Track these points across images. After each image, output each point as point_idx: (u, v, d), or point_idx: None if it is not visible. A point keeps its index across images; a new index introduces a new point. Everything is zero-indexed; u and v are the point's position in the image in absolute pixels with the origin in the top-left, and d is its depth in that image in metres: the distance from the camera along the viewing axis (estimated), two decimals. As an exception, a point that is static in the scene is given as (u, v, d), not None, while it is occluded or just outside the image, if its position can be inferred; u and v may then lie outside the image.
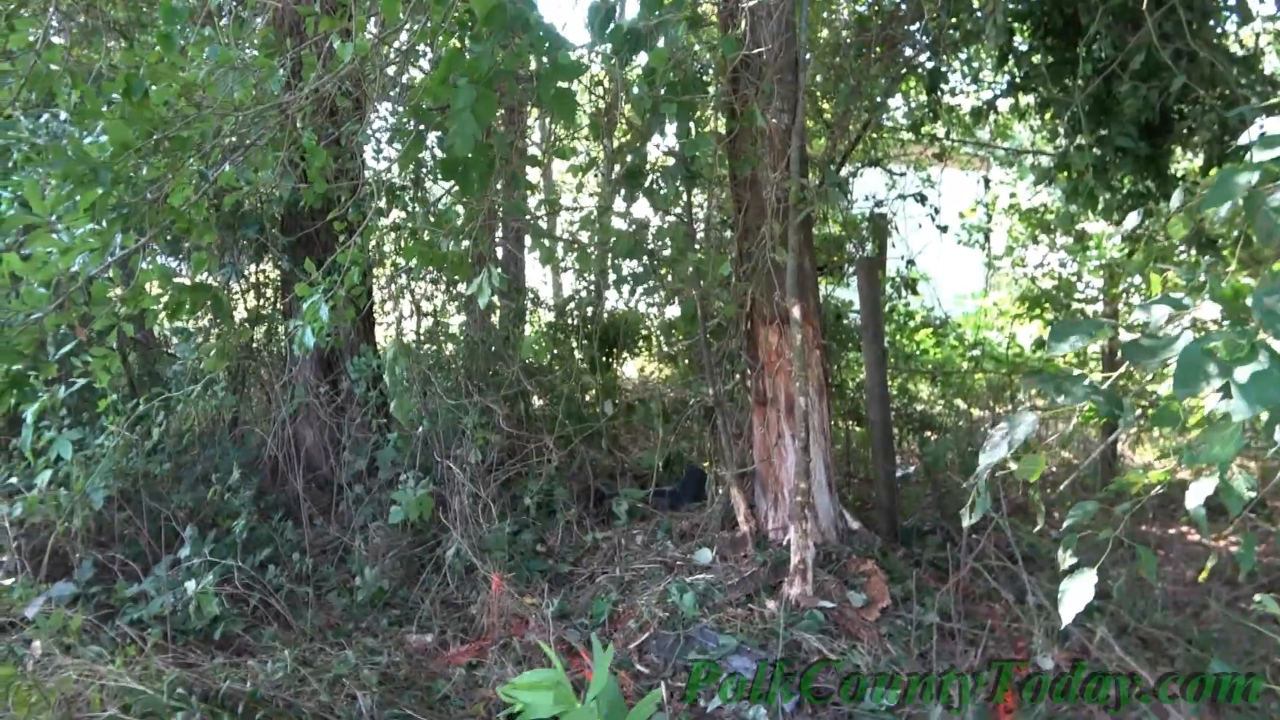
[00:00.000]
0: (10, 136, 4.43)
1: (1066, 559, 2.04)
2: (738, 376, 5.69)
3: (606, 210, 5.50)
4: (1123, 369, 2.16)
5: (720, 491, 5.21)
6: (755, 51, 4.59)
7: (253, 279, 6.31)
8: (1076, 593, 1.95)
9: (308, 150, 4.03)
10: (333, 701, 3.48)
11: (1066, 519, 2.07)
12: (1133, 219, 2.96)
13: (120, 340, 5.03)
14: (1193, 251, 5.13)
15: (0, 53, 4.19)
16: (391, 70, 6.55)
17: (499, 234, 7.11)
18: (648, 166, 5.06)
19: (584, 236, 6.68)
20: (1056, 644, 4.02)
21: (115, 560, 4.49)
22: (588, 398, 6.60)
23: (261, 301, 6.37)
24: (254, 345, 5.98)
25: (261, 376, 6.04)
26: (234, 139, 4.26)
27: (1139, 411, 2.18)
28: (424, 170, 5.97)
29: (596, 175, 7.53)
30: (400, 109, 7.00)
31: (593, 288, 7.40)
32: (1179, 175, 5.65)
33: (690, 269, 5.18)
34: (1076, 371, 1.97)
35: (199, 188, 4.21)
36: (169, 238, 4.74)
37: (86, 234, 3.59)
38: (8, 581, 3.86)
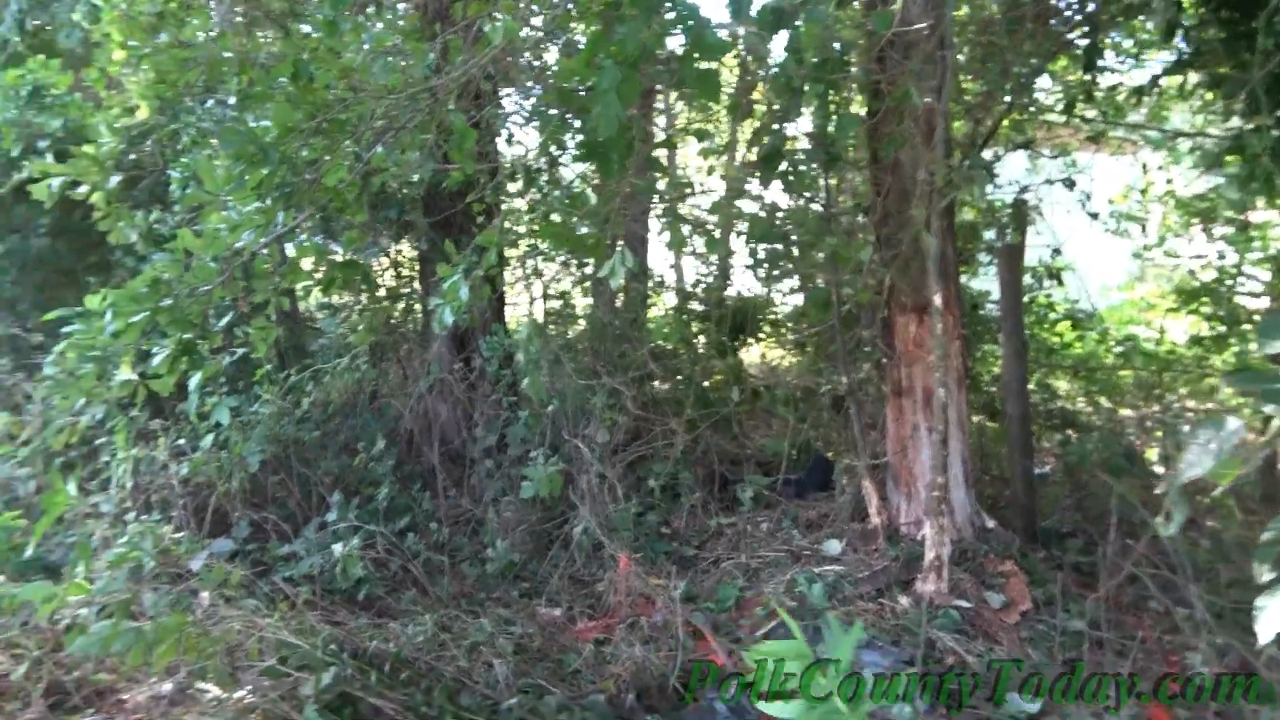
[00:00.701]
0: (182, 121, 4.71)
1: (1264, 573, 1.89)
2: (866, 366, 5.56)
3: (741, 193, 5.44)
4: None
5: (850, 482, 5.10)
6: (904, 29, 4.43)
7: (392, 258, 6.56)
8: (1277, 610, 1.80)
9: (458, 132, 4.12)
10: (471, 667, 3.60)
11: (1266, 530, 1.91)
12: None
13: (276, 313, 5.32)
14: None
15: (176, 43, 4.47)
16: (526, 56, 6.67)
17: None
18: (785, 149, 4.97)
19: (713, 220, 6.65)
20: (1217, 659, 3.77)
21: (268, 521, 4.76)
22: (707, 383, 6.57)
23: (399, 280, 6.62)
24: (392, 322, 6.22)
25: (399, 352, 6.27)
26: (384, 122, 4.41)
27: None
28: (560, 153, 6.06)
29: (725, 159, 7.46)
30: (536, 92, 7.13)
31: (718, 272, 7.36)
32: (1371, 159, 5.15)
33: (825, 255, 5.06)
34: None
35: (352, 168, 4.38)
36: (321, 216, 4.96)
37: (253, 211, 3.79)
38: (177, 535, 4.15)
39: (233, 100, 4.92)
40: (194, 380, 4.83)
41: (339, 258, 4.65)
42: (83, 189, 4.12)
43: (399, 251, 6.72)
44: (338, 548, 4.34)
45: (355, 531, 4.56)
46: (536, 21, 5.81)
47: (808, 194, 5.45)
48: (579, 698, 3.55)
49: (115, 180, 4.14)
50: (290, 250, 5.34)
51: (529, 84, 7.06)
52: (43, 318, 5.29)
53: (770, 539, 4.99)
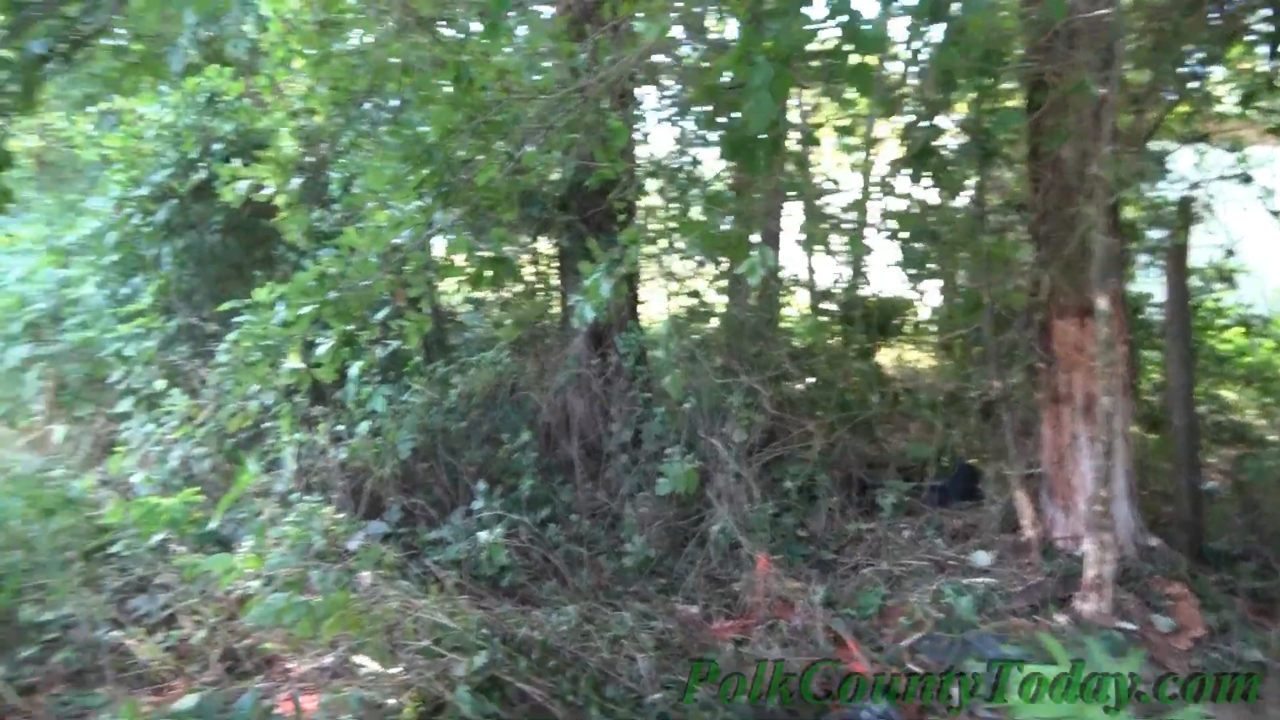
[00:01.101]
0: (351, 124, 4.93)
1: None
2: (1018, 371, 5.30)
3: (887, 190, 5.30)
4: None
5: (1000, 492, 4.89)
6: (1069, 17, 4.20)
7: (532, 255, 6.71)
8: None
9: (613, 131, 4.17)
10: (614, 659, 3.64)
11: None
12: None
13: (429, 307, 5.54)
14: None
15: (348, 50, 4.69)
16: (665, 54, 6.69)
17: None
18: (935, 145, 4.81)
19: (851, 217, 6.50)
20: None
21: (417, 506, 4.95)
22: (845, 384, 6.42)
23: (538, 276, 6.76)
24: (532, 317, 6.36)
25: (537, 346, 6.41)
26: (534, 122, 4.51)
27: None
28: (703, 149, 6.05)
29: (865, 155, 7.27)
30: (670, 91, 7.15)
31: (855, 271, 7.19)
32: None
33: (977, 254, 4.87)
34: None
35: (503, 167, 4.49)
36: (472, 214, 5.12)
37: (415, 210, 3.95)
38: (339, 515, 4.37)
39: (393, 103, 5.12)
40: (353, 369, 5.09)
41: (487, 254, 4.78)
42: (265, 190, 4.38)
43: (533, 248, 6.86)
44: (483, 535, 4.48)
45: (498, 520, 4.69)
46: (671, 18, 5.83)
47: (958, 191, 5.26)
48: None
49: (296, 182, 4.39)
50: (440, 247, 5.55)
51: (670, 82, 7.08)
52: (216, 308, 5.69)
53: (913, 547, 4.84)
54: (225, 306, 5.24)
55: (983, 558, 4.54)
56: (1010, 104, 4.73)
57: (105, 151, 6.37)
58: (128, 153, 6.23)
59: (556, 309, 6.77)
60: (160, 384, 5.32)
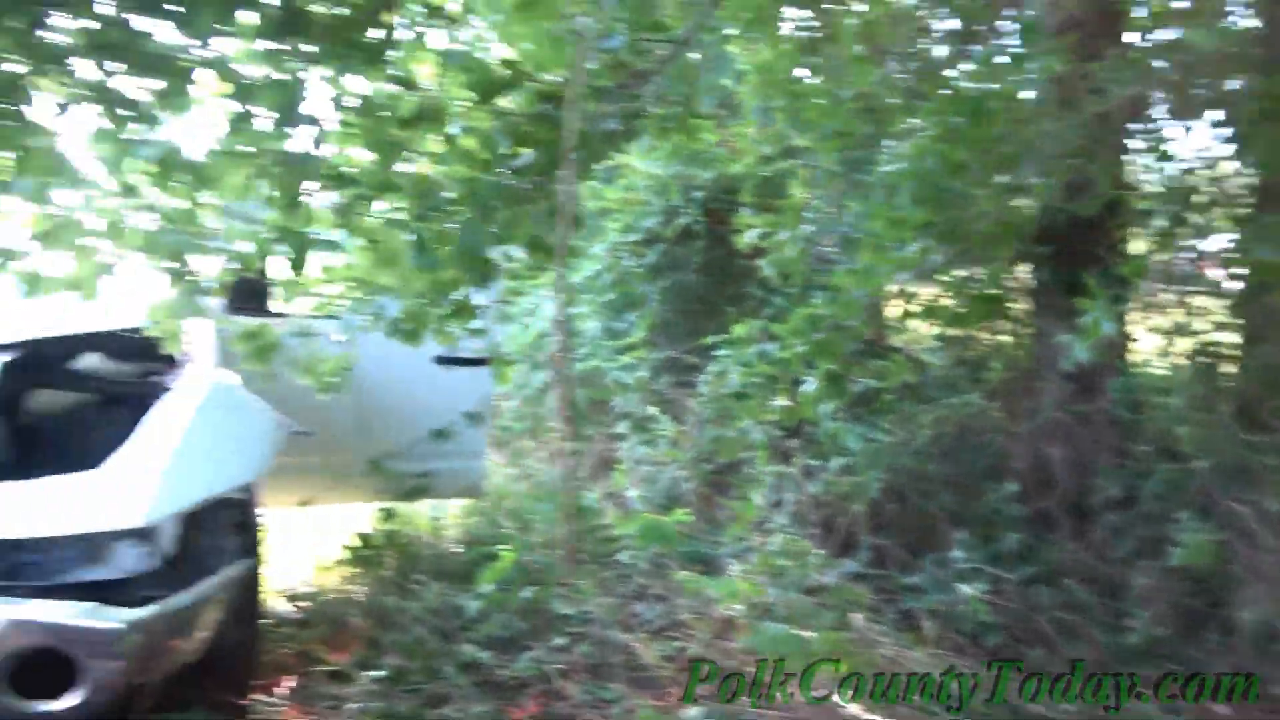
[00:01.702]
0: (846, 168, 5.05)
1: None
2: None
3: None
4: None
5: None
6: None
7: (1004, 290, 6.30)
8: None
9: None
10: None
11: None
12: None
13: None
14: None
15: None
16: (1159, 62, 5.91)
17: None
18: None
19: None
20: None
21: (887, 548, 4.87)
22: None
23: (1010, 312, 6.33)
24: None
25: (1006, 388, 5.99)
26: (1041, 151, 4.23)
27: None
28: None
29: None
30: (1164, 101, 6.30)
31: None
32: None
33: None
34: None
35: (1000, 202, 4.28)
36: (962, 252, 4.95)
37: (916, 250, 3.90)
38: (820, 551, 4.46)
39: (887, 143, 5.14)
40: (826, 405, 5.19)
41: (976, 292, 4.58)
42: (779, 236, 4.67)
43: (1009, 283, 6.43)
44: (965, 588, 4.26)
45: (977, 573, 4.44)
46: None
47: None
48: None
49: (807, 229, 4.61)
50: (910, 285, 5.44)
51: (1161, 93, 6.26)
52: (694, 342, 6.19)
53: None
54: (706, 341, 5.69)
55: None
56: None
57: (604, 203, 7.30)
58: (623, 202, 7.09)
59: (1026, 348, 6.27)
60: (650, 410, 5.91)
